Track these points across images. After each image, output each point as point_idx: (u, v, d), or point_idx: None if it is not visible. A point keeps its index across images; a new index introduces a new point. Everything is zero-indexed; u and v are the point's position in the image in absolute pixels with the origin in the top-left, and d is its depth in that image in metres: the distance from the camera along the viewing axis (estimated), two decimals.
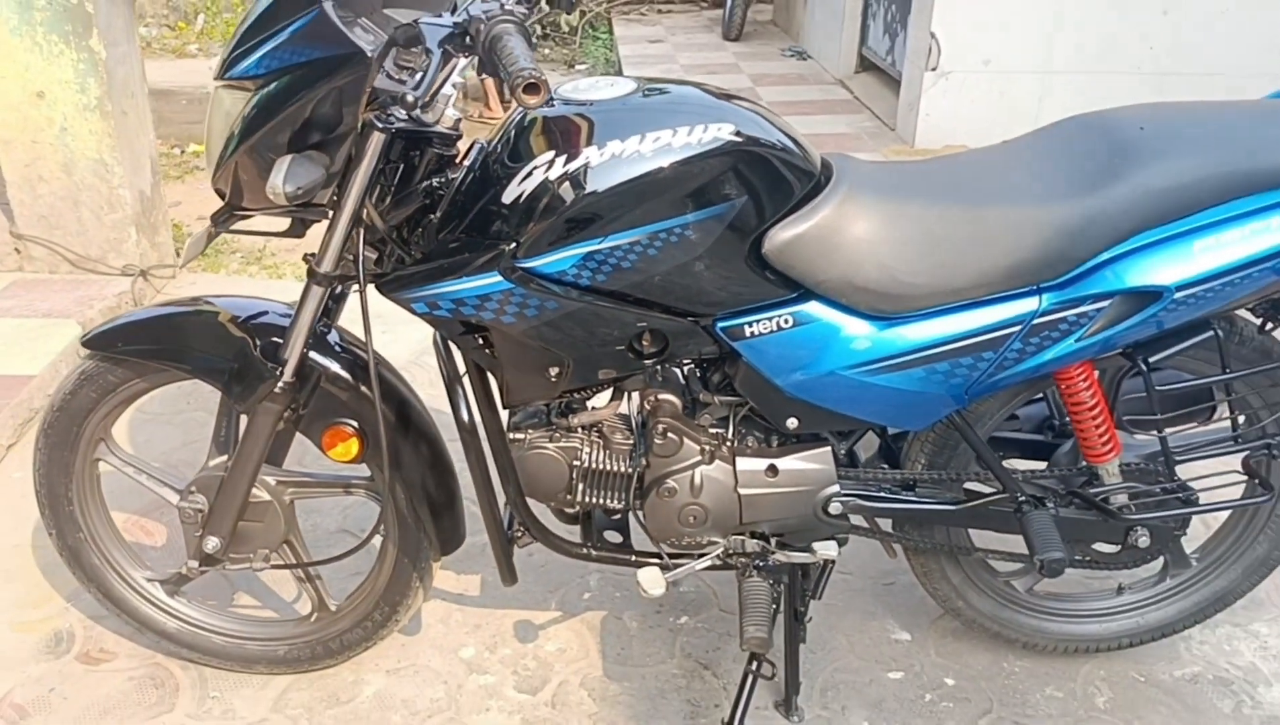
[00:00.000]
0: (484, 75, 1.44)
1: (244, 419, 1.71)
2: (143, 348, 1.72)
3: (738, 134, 1.49)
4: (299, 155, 1.43)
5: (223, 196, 1.56)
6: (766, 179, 1.52)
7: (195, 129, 5.71)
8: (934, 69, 4.90)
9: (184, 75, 7.23)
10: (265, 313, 1.74)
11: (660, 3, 9.35)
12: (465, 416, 1.63)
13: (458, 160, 1.60)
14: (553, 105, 1.54)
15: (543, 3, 1.82)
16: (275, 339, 1.65)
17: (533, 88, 1.22)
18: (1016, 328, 1.56)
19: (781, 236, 1.52)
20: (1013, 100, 4.92)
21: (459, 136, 1.59)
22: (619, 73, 7.01)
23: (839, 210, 1.54)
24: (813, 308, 1.57)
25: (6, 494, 2.45)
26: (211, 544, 1.76)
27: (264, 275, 3.73)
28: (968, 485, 1.80)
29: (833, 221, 1.54)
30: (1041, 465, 1.85)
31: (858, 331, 1.58)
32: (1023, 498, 1.73)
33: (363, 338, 1.59)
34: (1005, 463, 1.89)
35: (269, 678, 1.98)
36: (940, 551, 1.87)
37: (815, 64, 7.01)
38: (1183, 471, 1.76)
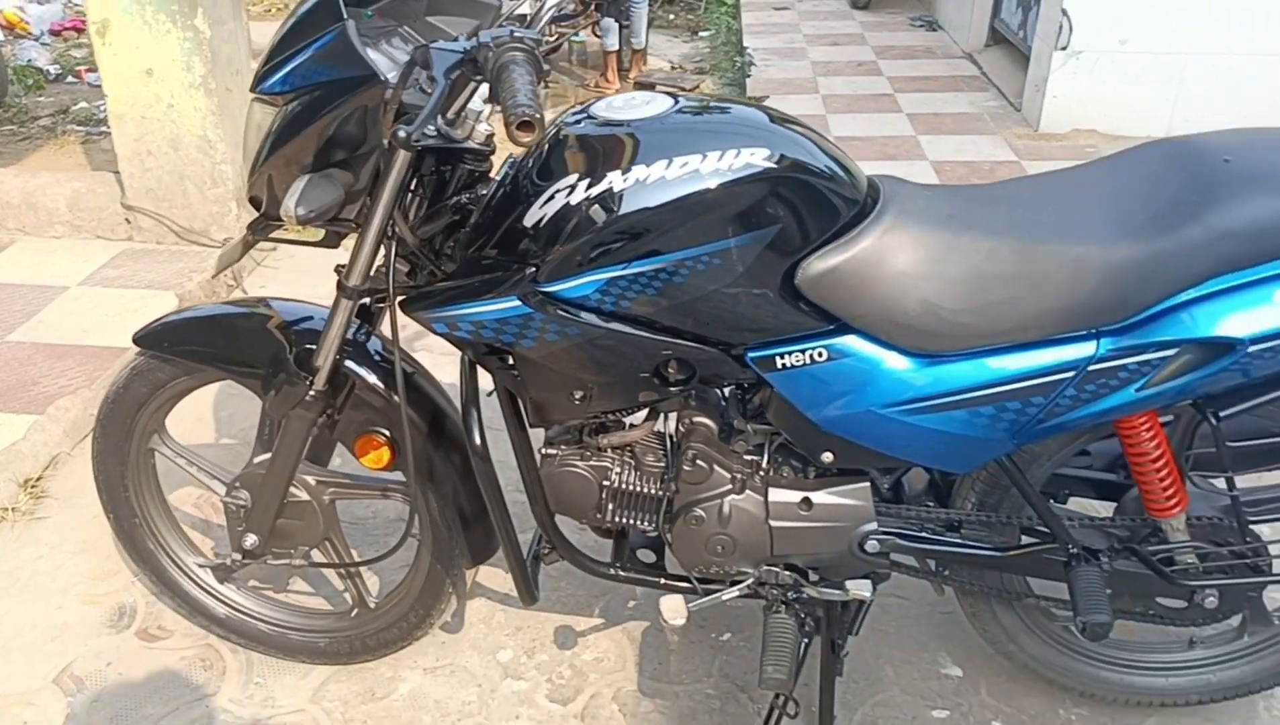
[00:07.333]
0: (490, 102, 1.40)
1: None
2: (186, 348, 1.76)
3: (772, 158, 1.41)
4: (316, 176, 1.43)
5: (257, 207, 1.57)
6: (803, 206, 1.44)
7: None
8: (1064, 48, 4.61)
9: None
10: (309, 319, 1.75)
11: None
12: (478, 441, 1.61)
13: (490, 175, 1.57)
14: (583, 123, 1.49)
15: (591, 8, 1.77)
16: (310, 346, 1.66)
17: (526, 125, 1.17)
18: (1070, 374, 1.44)
19: (817, 267, 1.44)
20: (1149, 84, 4.60)
21: (491, 151, 1.56)
22: (739, 41, 6.86)
23: (881, 240, 1.45)
24: (849, 342, 1.48)
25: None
26: (250, 541, 1.80)
27: None
28: (1024, 528, 1.69)
29: (874, 252, 1.45)
30: (1111, 507, 1.73)
31: (897, 369, 1.49)
32: (1073, 549, 1.62)
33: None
34: (1072, 501, 1.79)
35: (311, 668, 2.02)
36: (991, 594, 1.77)
37: (945, 35, 6.72)
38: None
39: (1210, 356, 1.40)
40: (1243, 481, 1.58)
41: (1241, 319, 1.38)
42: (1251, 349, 1.38)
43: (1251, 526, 1.61)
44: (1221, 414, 1.49)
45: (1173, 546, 1.60)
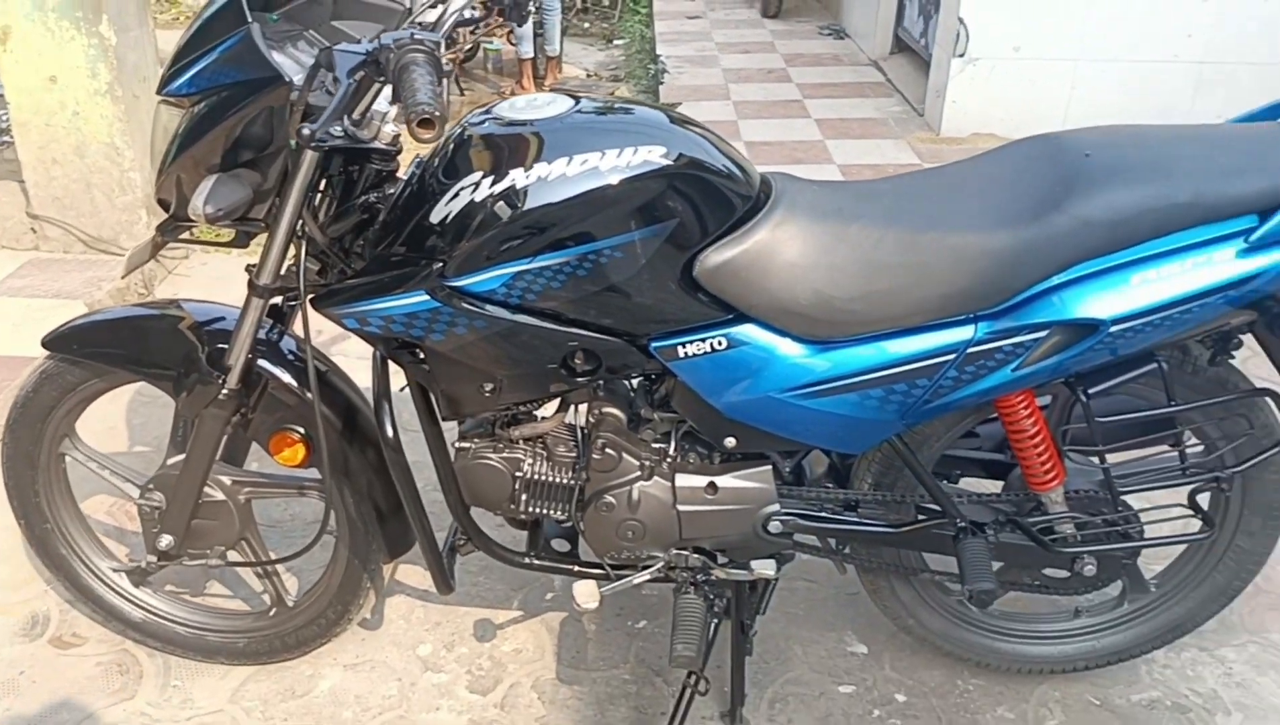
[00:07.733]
0: (394, 103, 1.45)
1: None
2: (97, 350, 1.76)
3: (669, 156, 1.48)
4: (225, 175, 1.46)
5: (166, 208, 1.59)
6: (699, 201, 1.51)
7: None
8: (962, 55, 4.79)
9: None
10: (221, 319, 1.77)
11: None
12: (390, 433, 1.65)
13: (398, 175, 1.62)
14: (487, 124, 1.55)
15: (495, 13, 1.83)
16: (222, 346, 1.68)
17: (426, 123, 1.22)
18: (951, 356, 1.54)
19: (714, 260, 1.52)
20: (1043, 89, 4.80)
21: (398, 152, 1.61)
22: (653, 49, 6.96)
23: (773, 233, 1.53)
24: (746, 330, 1.56)
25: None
26: (165, 541, 1.80)
27: None
28: (918, 506, 1.78)
29: (767, 245, 1.53)
30: (999, 485, 1.84)
31: (791, 355, 1.57)
32: (961, 523, 1.71)
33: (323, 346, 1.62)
34: (963, 481, 1.88)
35: (230, 668, 2.03)
36: (889, 571, 1.86)
37: (852, 43, 6.90)
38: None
39: (1077, 337, 1.51)
40: (1116, 457, 1.70)
41: (1103, 301, 1.48)
42: (1113, 329, 1.48)
43: (1122, 497, 1.72)
44: (1090, 391, 1.60)
45: (1052, 518, 1.71)
